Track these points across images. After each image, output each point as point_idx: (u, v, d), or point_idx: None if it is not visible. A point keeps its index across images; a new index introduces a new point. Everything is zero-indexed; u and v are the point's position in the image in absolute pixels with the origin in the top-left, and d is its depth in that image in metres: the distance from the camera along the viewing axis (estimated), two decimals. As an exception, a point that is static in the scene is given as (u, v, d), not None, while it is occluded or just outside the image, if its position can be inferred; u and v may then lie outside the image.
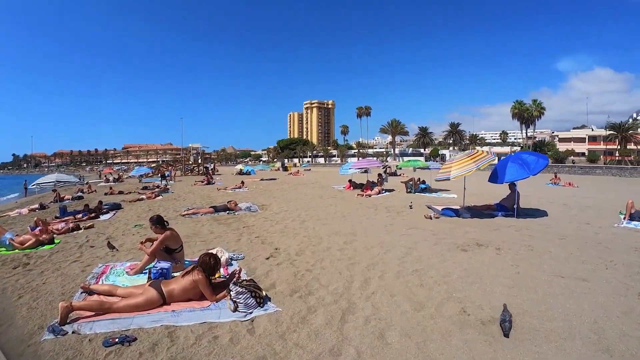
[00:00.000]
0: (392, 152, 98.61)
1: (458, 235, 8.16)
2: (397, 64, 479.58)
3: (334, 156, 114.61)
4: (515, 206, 10.86)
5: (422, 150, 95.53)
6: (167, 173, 38.15)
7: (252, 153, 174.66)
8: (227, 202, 13.40)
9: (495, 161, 16.50)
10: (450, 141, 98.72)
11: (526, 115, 74.05)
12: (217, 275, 5.09)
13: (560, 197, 15.77)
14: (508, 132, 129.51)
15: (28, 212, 16.63)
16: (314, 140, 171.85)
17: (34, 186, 13.40)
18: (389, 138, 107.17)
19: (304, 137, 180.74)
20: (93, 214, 13.10)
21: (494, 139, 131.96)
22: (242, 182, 24.08)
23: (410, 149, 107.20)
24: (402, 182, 19.53)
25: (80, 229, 11.02)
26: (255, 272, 5.70)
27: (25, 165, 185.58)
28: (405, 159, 73.27)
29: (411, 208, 12.83)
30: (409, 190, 17.81)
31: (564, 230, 8.78)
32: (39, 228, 10.37)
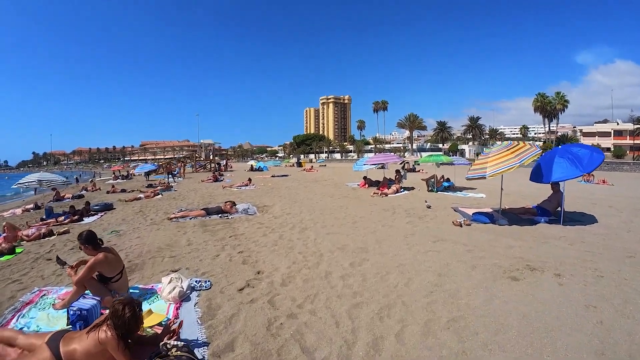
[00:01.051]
0: (410, 147, 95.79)
1: (499, 251, 6.27)
2: (413, 58, 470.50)
3: (351, 152, 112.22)
4: (559, 210, 8.91)
5: (440, 146, 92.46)
6: (175, 170, 36.96)
7: (269, 149, 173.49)
8: (224, 203, 11.79)
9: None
10: (470, 136, 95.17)
11: (549, 109, 70.64)
12: (146, 326, 3.44)
13: (601, 197, 13.55)
14: (528, 126, 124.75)
15: (22, 213, 15.55)
16: (331, 136, 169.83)
17: (17, 186, 12.10)
18: (407, 133, 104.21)
19: (320, 132, 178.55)
20: (76, 217, 11.69)
21: (514, 134, 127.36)
22: (250, 180, 22.49)
23: (429, 144, 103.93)
24: (423, 179, 17.55)
25: (54, 234, 9.64)
26: (216, 315, 4.00)
27: (45, 162, 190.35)
28: (424, 154, 70.62)
29: (429, 208, 11.11)
30: (430, 188, 15.87)
31: (628, 243, 6.81)
32: (4, 235, 9.03)
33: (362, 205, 12.36)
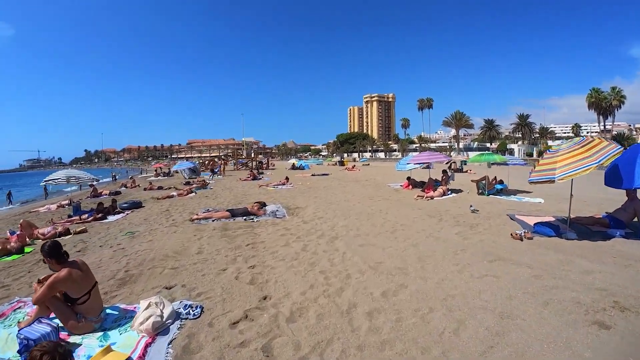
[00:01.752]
0: (456, 146, 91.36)
1: (575, 278, 4.70)
2: (459, 55, 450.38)
3: (395, 151, 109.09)
4: (636, 221, 7.19)
5: (488, 145, 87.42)
6: (216, 168, 37.04)
7: (312, 148, 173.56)
8: (254, 204, 10.90)
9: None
10: (519, 135, 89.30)
11: (604, 105, 64.74)
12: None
13: None
14: (581, 124, 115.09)
15: (56, 209, 15.66)
16: (374, 135, 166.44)
17: (45, 183, 12.00)
18: (453, 132, 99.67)
19: (364, 131, 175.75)
20: (100, 215, 11.28)
21: (565, 133, 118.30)
22: (287, 178, 21.64)
23: (476, 143, 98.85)
24: (473, 180, 15.78)
25: (70, 233, 9.18)
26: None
27: (96, 160, 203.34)
28: (472, 153, 66.70)
29: (474, 212, 9.87)
30: (480, 191, 14.13)
31: None
32: (17, 233, 8.64)
33: (404, 209, 10.97)
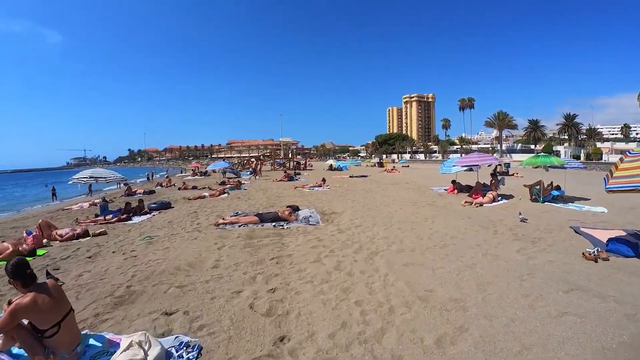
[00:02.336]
0: (499, 148, 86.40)
1: None
2: (501, 53, 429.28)
3: (435, 152, 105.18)
4: None
5: (532, 147, 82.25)
6: (251, 169, 36.80)
7: (351, 148, 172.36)
8: (285, 208, 10.05)
9: None
10: (565, 136, 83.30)
11: None
12: None
13: None
14: (630, 125, 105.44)
15: (88, 207, 15.61)
16: (414, 136, 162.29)
17: (72, 182, 11.80)
18: (494, 133, 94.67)
19: (403, 132, 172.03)
20: (124, 216, 10.83)
21: (613, 134, 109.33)
22: (324, 180, 20.68)
23: (519, 144, 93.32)
24: (525, 185, 14.12)
25: (89, 235, 8.69)
26: None
27: (139, 159, 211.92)
28: (515, 155, 62.76)
29: (523, 221, 8.70)
30: (534, 197, 12.53)
31: None
32: (33, 234, 8.23)
33: (452, 217, 9.67)
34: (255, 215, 9.42)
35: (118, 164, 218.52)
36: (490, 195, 12.49)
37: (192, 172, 39.91)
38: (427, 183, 21.04)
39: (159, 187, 24.49)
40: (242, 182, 23.24)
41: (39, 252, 7.48)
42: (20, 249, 7.27)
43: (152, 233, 8.59)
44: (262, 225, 8.85)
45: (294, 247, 6.68)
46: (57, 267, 6.25)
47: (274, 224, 8.92)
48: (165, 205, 13.07)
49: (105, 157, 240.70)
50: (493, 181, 14.64)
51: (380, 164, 51.06)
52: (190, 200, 15.39)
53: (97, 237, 8.59)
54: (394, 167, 41.09)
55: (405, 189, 18.04)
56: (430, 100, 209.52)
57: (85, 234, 8.69)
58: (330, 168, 40.31)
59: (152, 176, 44.36)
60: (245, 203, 13.73)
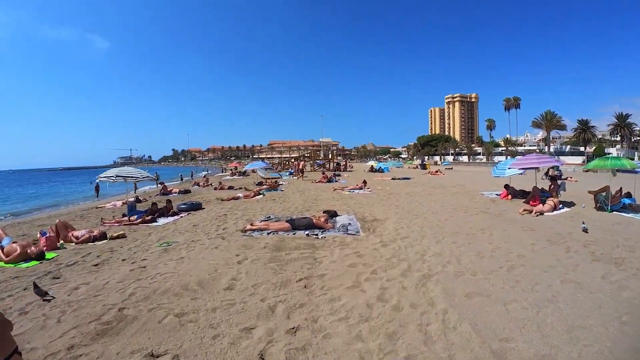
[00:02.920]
0: (547, 149, 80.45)
1: None
2: (547, 50, 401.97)
3: (479, 154, 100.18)
4: None
5: (581, 149, 76.02)
6: (292, 169, 36.10)
7: (392, 150, 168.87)
8: (320, 215, 9.02)
9: None
10: (617, 137, 76.15)
11: None
12: None
13: None
14: None
15: (121, 205, 15.34)
16: (457, 137, 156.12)
17: (99, 180, 11.41)
18: (540, 134, 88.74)
19: (446, 133, 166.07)
20: (149, 217, 10.18)
21: None
22: (364, 182, 19.41)
23: (568, 146, 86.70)
24: (590, 192, 12.20)
25: (106, 238, 8.03)
26: None
27: (182, 158, 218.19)
28: (564, 158, 57.86)
29: (586, 232, 7.68)
30: (599, 204, 10.69)
31: None
32: (47, 235, 7.66)
33: (512, 229, 8.14)
34: (286, 222, 8.37)
35: (162, 163, 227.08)
36: (550, 202, 10.79)
37: (230, 172, 39.85)
38: (475, 187, 19.28)
39: (196, 186, 24.25)
40: (280, 182, 22.45)
41: (49, 255, 6.85)
42: (28, 251, 6.67)
43: (171, 238, 7.78)
44: (294, 234, 7.79)
45: (327, 264, 5.54)
46: (58, 276, 5.51)
47: (307, 232, 7.83)
48: (195, 207, 12.38)
49: (150, 157, 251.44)
50: (552, 186, 12.84)
51: (423, 166, 48.92)
52: (222, 201, 14.70)
53: (114, 240, 7.91)
54: (438, 169, 38.93)
55: (453, 193, 16.43)
56: (473, 100, 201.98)
57: (102, 236, 8.04)
58: (371, 169, 38.83)
59: (192, 175, 44.89)
60: (280, 206, 12.79)
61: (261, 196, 15.97)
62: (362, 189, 18.37)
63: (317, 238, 7.41)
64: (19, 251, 6.65)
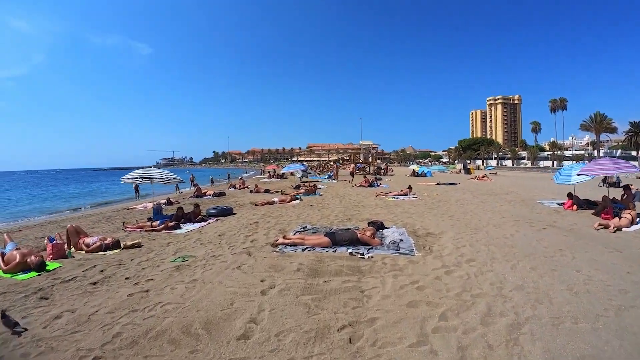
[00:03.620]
0: (596, 154, 73.77)
1: None
2: (595, 48, 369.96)
3: (523, 158, 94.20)
4: None
5: (633, 153, 69.14)
6: (331, 172, 34.88)
7: (432, 154, 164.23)
8: (366, 228, 7.69)
9: None
10: None
11: None
12: None
13: None
14: None
15: (152, 207, 14.70)
16: (499, 140, 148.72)
17: (123, 182, 10.74)
18: (587, 137, 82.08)
19: (487, 136, 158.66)
20: (172, 223, 9.23)
21: None
22: (410, 187, 17.81)
23: (618, 150, 79.23)
24: None
25: (119, 247, 7.10)
26: None
27: (223, 160, 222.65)
28: None
29: None
30: None
31: None
32: (54, 242, 6.81)
33: (592, 249, 6.37)
34: (326, 235, 7.05)
35: (203, 164, 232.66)
36: (627, 215, 8.84)
37: (268, 174, 39.14)
38: (530, 194, 17.25)
39: (232, 188, 23.56)
40: (318, 186, 21.25)
41: (51, 266, 5.96)
42: (28, 260, 5.80)
43: (190, 251, 6.70)
44: (334, 251, 6.48)
45: (379, 301, 4.14)
46: (47, 296, 4.56)
47: (350, 249, 6.50)
48: (225, 212, 11.39)
49: (191, 158, 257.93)
50: (626, 195, 10.79)
51: (467, 171, 46.21)
52: (256, 206, 13.67)
53: (127, 250, 6.95)
54: (484, 174, 36.23)
55: (507, 201, 14.52)
56: (516, 102, 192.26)
57: (115, 244, 7.10)
58: (413, 174, 36.93)
59: (229, 177, 44.72)
60: (318, 213, 11.53)
61: (298, 201, 14.82)
62: (407, 195, 16.82)
63: (363, 258, 6.06)
64: (17, 260, 5.80)
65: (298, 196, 15.90)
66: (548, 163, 78.57)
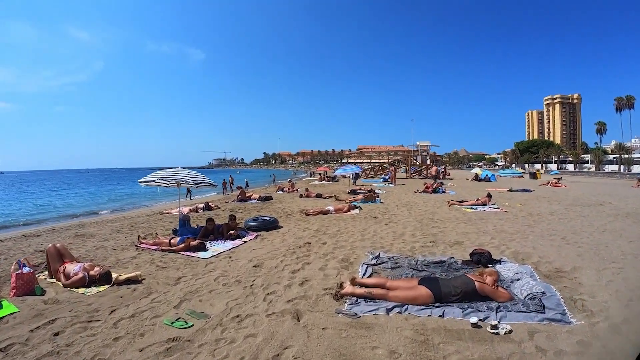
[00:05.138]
0: None
1: None
2: None
3: (586, 162, 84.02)
4: None
5: None
6: (386, 175, 31.67)
7: (487, 157, 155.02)
8: (488, 271, 4.96)
9: None
10: None
11: None
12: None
13: None
14: None
15: (188, 212, 12.78)
16: (557, 142, 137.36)
17: (143, 185, 8.69)
18: None
19: (545, 138, 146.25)
20: (196, 242, 6.87)
21: None
22: (489, 196, 14.44)
23: None
24: None
25: (110, 281, 4.79)
26: None
27: (273, 162, 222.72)
28: None
29: None
30: None
31: None
32: (20, 271, 4.62)
33: None
34: (422, 284, 4.26)
35: (254, 165, 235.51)
36: None
37: (319, 176, 36.64)
38: (631, 205, 13.83)
39: (280, 191, 21.22)
40: (378, 192, 18.39)
41: (4, 308, 3.75)
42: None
43: (204, 302, 4.18)
44: (442, 314, 3.71)
45: None
46: None
47: (470, 313, 3.70)
48: (267, 225, 8.92)
49: (242, 159, 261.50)
50: None
51: (533, 175, 41.08)
52: (307, 215, 11.16)
53: (118, 288, 4.61)
54: (557, 179, 31.30)
55: (611, 214, 11.28)
56: (575, 101, 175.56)
57: (104, 277, 4.78)
58: (476, 178, 32.92)
59: (274, 179, 42.92)
60: (387, 230, 8.73)
61: (357, 210, 12.10)
62: (486, 204, 13.60)
63: (497, 332, 3.28)
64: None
65: (356, 203, 13.19)
66: (614, 167, 69.46)
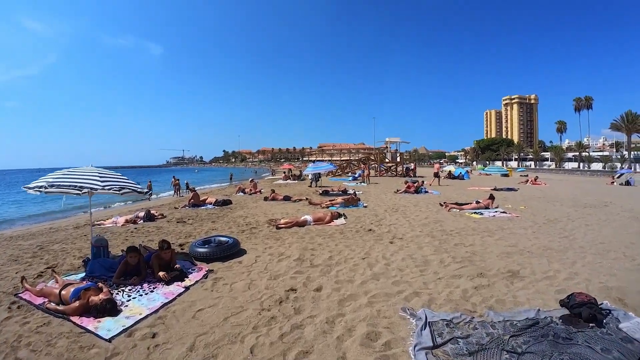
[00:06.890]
0: (627, 156, 66.08)
1: None
2: (623, 45, 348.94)
3: (547, 159, 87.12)
4: None
5: None
6: (357, 173, 29.37)
7: (447, 154, 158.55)
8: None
9: None
10: None
11: None
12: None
13: None
14: None
15: (124, 224, 9.69)
16: (516, 140, 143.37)
17: (30, 191, 5.61)
18: (602, 139, 75.35)
19: (503, 136, 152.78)
20: (100, 297, 3.87)
21: None
22: (492, 197, 12.24)
23: None
24: None
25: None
26: None
27: (233, 159, 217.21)
28: None
29: None
30: None
31: None
32: None
33: None
34: None
35: (213, 163, 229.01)
36: None
37: (283, 174, 33.57)
38: (631, 205, 12.82)
39: (240, 193, 18.12)
40: (352, 191, 15.79)
41: None
42: None
43: None
44: None
45: None
46: None
47: None
48: (225, 251, 6.01)
49: (201, 157, 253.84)
50: None
51: (505, 174, 40.44)
52: (279, 229, 8.38)
53: None
54: (536, 177, 30.31)
55: (632, 217, 9.83)
56: (532, 101, 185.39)
57: None
58: (449, 176, 31.33)
59: (231, 178, 39.87)
60: (403, 254, 6.06)
61: (342, 219, 9.43)
62: (489, 207, 11.43)
63: None
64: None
65: (335, 208, 10.51)
66: (574, 165, 71.74)
